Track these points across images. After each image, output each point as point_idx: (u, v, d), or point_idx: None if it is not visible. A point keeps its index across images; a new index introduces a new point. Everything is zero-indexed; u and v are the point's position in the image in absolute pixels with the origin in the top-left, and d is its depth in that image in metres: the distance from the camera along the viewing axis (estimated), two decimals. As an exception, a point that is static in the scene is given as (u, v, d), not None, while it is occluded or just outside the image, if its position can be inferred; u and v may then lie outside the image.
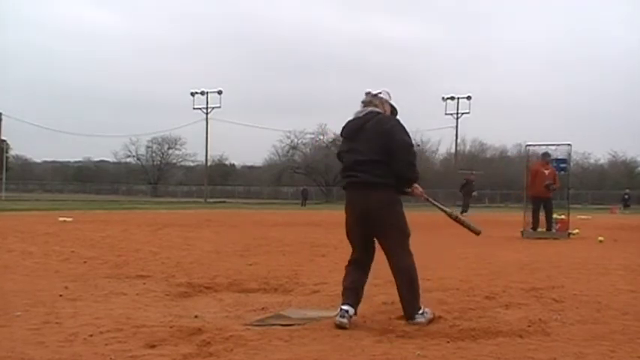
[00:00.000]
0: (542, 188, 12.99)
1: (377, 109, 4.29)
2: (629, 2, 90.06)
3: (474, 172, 27.95)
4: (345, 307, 4.05)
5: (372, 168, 4.10)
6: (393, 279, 6.06)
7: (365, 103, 4.35)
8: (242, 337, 3.63)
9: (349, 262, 4.34)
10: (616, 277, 6.57)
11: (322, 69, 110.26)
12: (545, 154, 13.41)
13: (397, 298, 4.96)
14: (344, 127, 4.35)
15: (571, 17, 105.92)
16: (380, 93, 4.39)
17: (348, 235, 4.33)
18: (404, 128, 4.18)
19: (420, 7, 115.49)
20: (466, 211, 23.06)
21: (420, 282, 5.83)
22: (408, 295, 4.16)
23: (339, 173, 4.45)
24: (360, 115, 4.29)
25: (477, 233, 4.67)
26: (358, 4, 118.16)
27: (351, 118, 4.34)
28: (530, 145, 14.50)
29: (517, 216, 17.20)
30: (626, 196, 42.34)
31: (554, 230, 12.99)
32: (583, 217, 21.65)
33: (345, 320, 3.97)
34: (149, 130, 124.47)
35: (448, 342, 3.58)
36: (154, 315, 4.36)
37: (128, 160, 79.86)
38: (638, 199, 53.01)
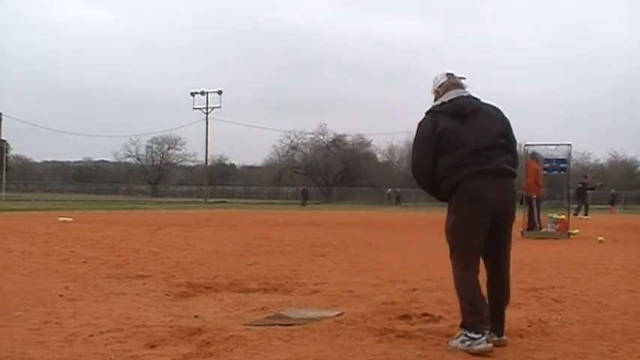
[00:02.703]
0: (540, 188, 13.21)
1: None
2: (629, 1, 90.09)
3: (587, 175, 28.05)
4: (487, 332, 3.43)
5: (502, 154, 3.59)
6: (391, 279, 6.11)
7: (457, 85, 3.76)
8: (242, 337, 3.63)
9: (471, 272, 3.51)
10: (616, 277, 6.57)
11: (322, 69, 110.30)
12: (535, 154, 13.50)
13: (397, 299, 4.98)
14: (449, 103, 3.65)
15: (571, 17, 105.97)
16: (464, 78, 3.86)
17: (469, 237, 3.52)
18: None
19: (421, 7, 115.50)
20: (586, 214, 23.26)
21: (421, 282, 5.90)
22: (505, 309, 3.63)
23: (453, 160, 3.53)
24: (465, 95, 3.71)
25: None
26: (358, 3, 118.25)
27: (453, 97, 3.67)
28: (529, 145, 14.49)
29: (517, 216, 17.21)
30: (611, 197, 42.18)
31: (554, 230, 13.01)
32: (583, 217, 21.64)
33: (491, 345, 3.40)
34: (149, 130, 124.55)
35: (448, 342, 3.58)
36: (154, 315, 4.36)
37: (128, 160, 79.96)
38: (637, 199, 52.99)
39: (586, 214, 23.55)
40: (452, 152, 3.54)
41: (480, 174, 3.49)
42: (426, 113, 3.76)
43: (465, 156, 3.51)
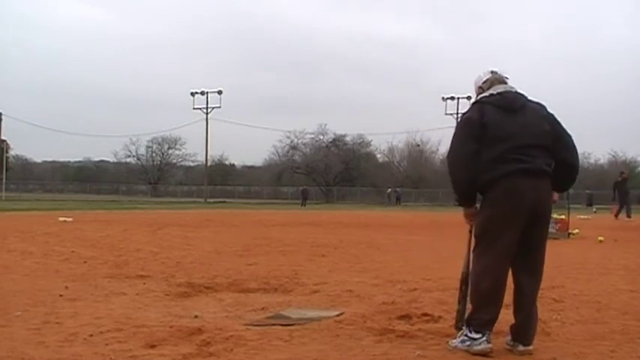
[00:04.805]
0: None
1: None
2: (630, 0, 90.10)
3: (623, 172, 27.14)
4: (489, 334, 3.41)
5: (543, 154, 3.47)
6: (391, 279, 6.11)
7: (502, 81, 3.65)
8: (242, 337, 3.64)
9: (493, 269, 3.41)
10: (616, 277, 6.57)
11: (322, 69, 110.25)
12: None
13: (397, 299, 4.98)
14: (498, 95, 3.55)
15: (571, 16, 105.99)
16: (508, 78, 3.73)
17: (500, 235, 3.39)
18: None
19: (421, 6, 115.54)
20: (629, 216, 21.40)
21: (421, 282, 5.90)
22: (536, 318, 3.53)
23: (495, 153, 3.40)
24: (513, 90, 3.60)
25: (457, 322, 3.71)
26: (359, 3, 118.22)
27: (501, 90, 3.58)
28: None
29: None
30: (588, 197, 41.49)
31: (554, 230, 13.01)
32: (583, 217, 21.63)
33: (491, 345, 3.39)
34: (149, 130, 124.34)
35: (448, 342, 3.58)
36: (154, 315, 4.36)
37: (128, 160, 79.91)
38: (638, 199, 52.97)
39: (629, 216, 21.48)
40: (495, 145, 3.42)
41: (521, 172, 3.38)
42: (473, 104, 3.65)
43: (508, 151, 3.39)
